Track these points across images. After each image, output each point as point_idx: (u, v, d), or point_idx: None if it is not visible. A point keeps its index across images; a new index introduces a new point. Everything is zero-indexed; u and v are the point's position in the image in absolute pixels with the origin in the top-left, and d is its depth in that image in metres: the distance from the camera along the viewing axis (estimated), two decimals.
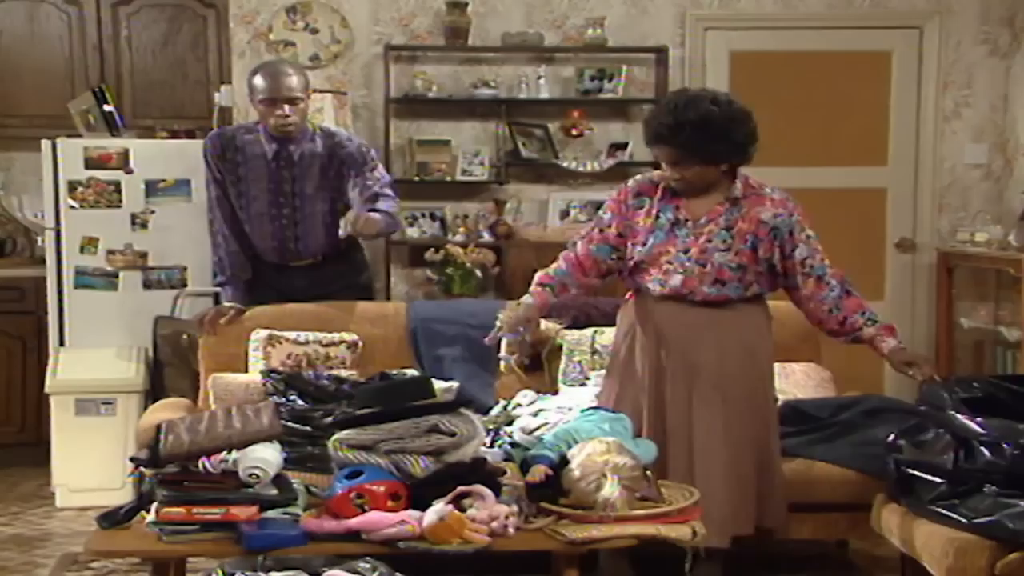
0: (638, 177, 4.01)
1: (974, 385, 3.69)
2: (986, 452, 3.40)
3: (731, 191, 3.82)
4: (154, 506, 3.09)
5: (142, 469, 3.22)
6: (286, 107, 4.55)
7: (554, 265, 4.00)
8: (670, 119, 3.74)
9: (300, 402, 4.24)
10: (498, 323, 3.87)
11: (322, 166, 4.69)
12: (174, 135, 5.96)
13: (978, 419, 3.46)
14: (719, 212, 3.80)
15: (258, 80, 4.60)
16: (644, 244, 3.84)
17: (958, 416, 3.51)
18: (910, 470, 3.67)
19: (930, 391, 3.73)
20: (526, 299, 3.94)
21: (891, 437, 3.78)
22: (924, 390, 3.80)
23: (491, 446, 4.09)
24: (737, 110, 3.80)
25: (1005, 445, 3.37)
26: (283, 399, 4.22)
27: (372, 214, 4.54)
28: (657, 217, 3.85)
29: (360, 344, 4.70)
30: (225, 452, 3.11)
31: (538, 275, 4.01)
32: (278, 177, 4.68)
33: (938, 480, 3.54)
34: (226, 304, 4.79)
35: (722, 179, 3.83)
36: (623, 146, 6.17)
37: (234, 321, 4.70)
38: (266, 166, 4.68)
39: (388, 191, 4.71)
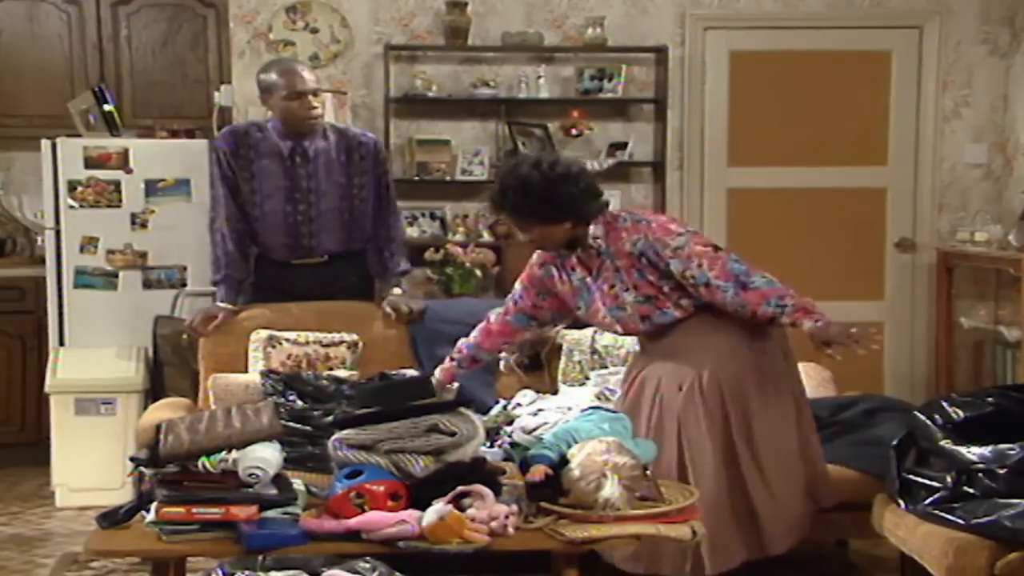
0: (537, 252, 4.06)
1: (986, 400, 3.67)
2: (983, 478, 3.41)
3: (593, 240, 3.83)
4: (154, 506, 3.09)
5: (142, 469, 3.22)
6: (311, 99, 4.57)
7: (472, 337, 4.15)
8: (496, 186, 3.88)
9: (299, 403, 4.23)
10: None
11: (339, 162, 4.70)
12: (174, 135, 5.97)
13: (971, 449, 3.47)
14: (600, 262, 3.84)
15: (276, 77, 4.59)
16: (580, 308, 3.95)
17: (949, 446, 3.54)
18: (911, 476, 3.67)
19: (914, 421, 3.73)
20: (436, 373, 4.14)
21: (895, 442, 3.78)
22: (910, 419, 3.78)
23: (491, 446, 4.09)
24: (559, 173, 3.77)
25: (1000, 471, 3.38)
26: (282, 399, 4.21)
27: (415, 301, 4.93)
28: (571, 281, 3.93)
29: (360, 344, 4.70)
30: (225, 452, 3.10)
31: (458, 343, 4.17)
32: (294, 174, 4.67)
33: (938, 485, 3.54)
34: (216, 305, 4.78)
35: (583, 231, 3.83)
36: (623, 146, 6.17)
37: (224, 323, 4.69)
38: (281, 163, 4.67)
39: (400, 219, 4.99)
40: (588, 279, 3.88)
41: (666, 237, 3.73)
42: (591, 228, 3.82)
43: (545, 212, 3.77)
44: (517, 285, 4.10)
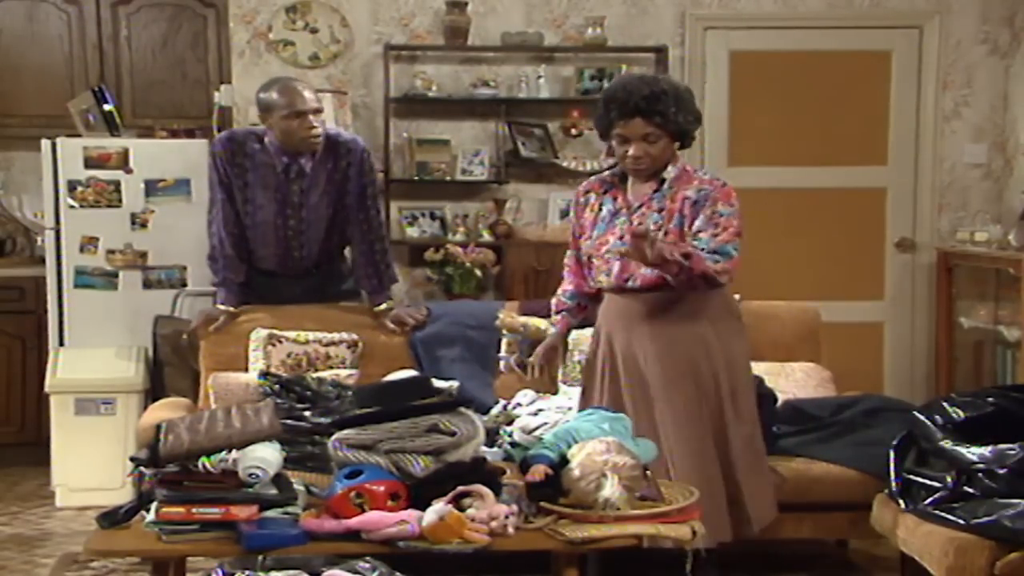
0: (591, 178, 4.04)
1: (986, 400, 3.66)
2: (983, 478, 3.42)
3: (665, 174, 3.81)
4: (154, 506, 3.08)
5: (142, 469, 3.22)
6: (311, 118, 4.53)
7: (562, 288, 4.08)
8: (646, 90, 3.75)
9: (299, 403, 4.23)
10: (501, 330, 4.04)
11: (327, 171, 4.67)
12: (174, 135, 5.98)
13: (971, 449, 3.47)
14: (649, 196, 3.81)
15: (276, 97, 4.52)
16: (591, 237, 3.90)
17: (949, 446, 3.54)
18: (911, 476, 3.68)
19: (914, 421, 3.73)
20: (551, 328, 4.10)
21: (895, 442, 3.78)
22: (910, 419, 3.78)
23: (491, 446, 4.09)
24: (687, 89, 3.87)
25: (1000, 471, 3.38)
26: (280, 400, 4.21)
27: (415, 309, 4.93)
28: (600, 210, 3.89)
29: (360, 344, 4.70)
30: (225, 452, 3.10)
31: (554, 301, 4.11)
32: (286, 189, 4.65)
33: (938, 484, 3.55)
34: (216, 308, 4.78)
35: (668, 163, 3.83)
36: None
37: (224, 326, 4.69)
38: (275, 177, 4.64)
39: (383, 230, 4.88)
40: (623, 210, 3.82)
41: (721, 200, 3.73)
42: (670, 166, 3.81)
43: (683, 125, 3.75)
44: (572, 216, 4.08)
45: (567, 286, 4.07)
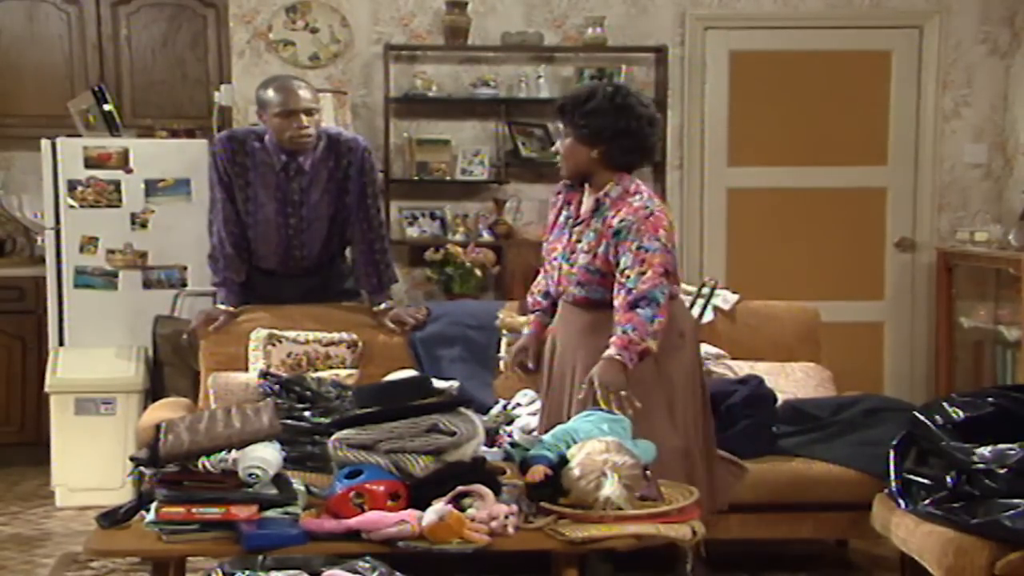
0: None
1: (986, 400, 3.66)
2: (983, 478, 3.42)
3: (606, 191, 3.74)
4: (154, 506, 3.09)
5: (142, 469, 3.22)
6: (303, 118, 4.52)
7: (536, 285, 4.03)
8: (572, 92, 3.88)
9: (299, 404, 4.23)
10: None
11: (328, 170, 4.67)
12: (174, 135, 5.98)
13: (971, 449, 3.47)
14: (590, 213, 3.77)
15: (271, 94, 4.53)
16: (547, 240, 3.92)
17: (950, 446, 3.54)
18: (911, 476, 3.68)
19: (914, 421, 3.73)
20: (524, 328, 4.06)
21: (895, 442, 3.78)
22: (910, 419, 3.78)
23: (491, 446, 4.09)
24: (626, 103, 3.72)
25: (1000, 471, 3.38)
26: (280, 400, 4.21)
27: (415, 309, 4.91)
28: (560, 215, 3.89)
29: (360, 344, 4.70)
30: (225, 452, 3.10)
31: (529, 300, 4.06)
32: (286, 187, 4.65)
33: (938, 484, 3.55)
34: (216, 307, 4.77)
35: (600, 173, 3.75)
36: None
37: (224, 326, 4.69)
38: (275, 176, 4.64)
39: (383, 230, 4.85)
40: (572, 220, 3.82)
41: (647, 234, 3.63)
42: (612, 182, 3.73)
43: (582, 128, 3.72)
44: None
45: (541, 285, 4.01)
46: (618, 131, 3.69)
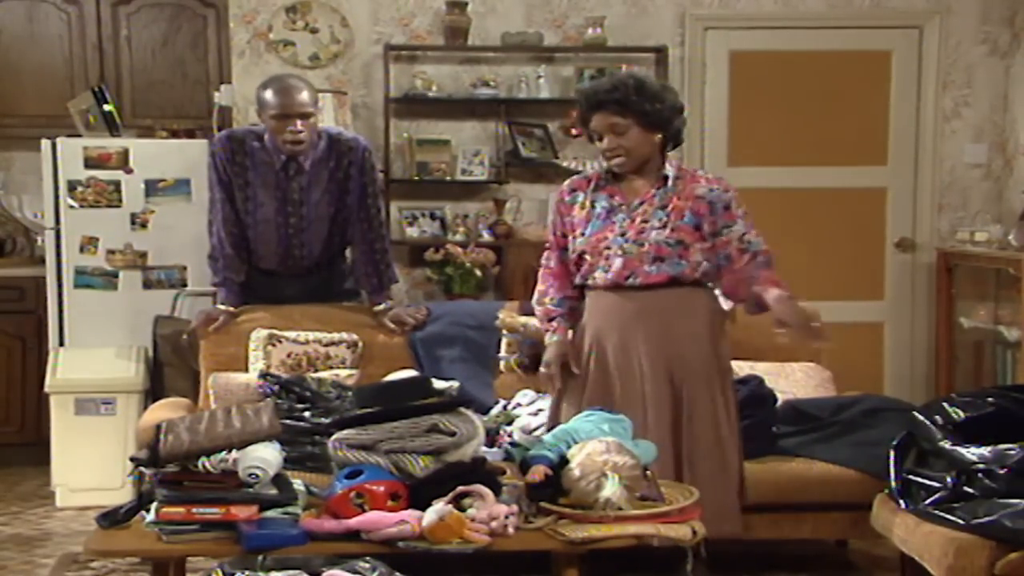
0: (573, 177, 4.03)
1: (986, 400, 3.66)
2: (983, 478, 3.42)
3: (663, 171, 3.83)
4: (154, 506, 3.09)
5: (142, 469, 3.22)
6: (298, 122, 4.51)
7: (546, 294, 3.95)
8: (607, 83, 3.84)
9: (299, 404, 4.23)
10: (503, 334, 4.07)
11: (329, 170, 4.67)
12: (174, 135, 5.98)
13: (971, 449, 3.47)
14: (652, 193, 3.81)
15: (268, 95, 4.51)
16: (584, 234, 3.85)
17: (950, 446, 3.54)
18: (911, 476, 3.68)
19: (914, 421, 3.73)
20: (550, 337, 3.93)
21: (895, 442, 3.78)
22: (910, 419, 3.78)
23: (491, 446, 4.09)
24: (668, 88, 3.96)
25: (1000, 471, 3.38)
26: (280, 400, 4.21)
27: (415, 309, 4.90)
28: (592, 207, 3.86)
29: (360, 344, 4.70)
30: (225, 452, 3.10)
31: (540, 311, 3.97)
32: (286, 186, 4.65)
33: (938, 484, 3.55)
34: (216, 307, 4.77)
35: (656, 158, 3.82)
36: None
37: (224, 326, 4.69)
38: (274, 175, 4.64)
39: (383, 229, 4.84)
40: (622, 207, 3.80)
41: (734, 199, 3.84)
42: (668, 163, 3.84)
43: (650, 114, 3.74)
44: (551, 220, 4.05)
45: (553, 292, 3.94)
46: (676, 110, 3.83)
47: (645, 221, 3.77)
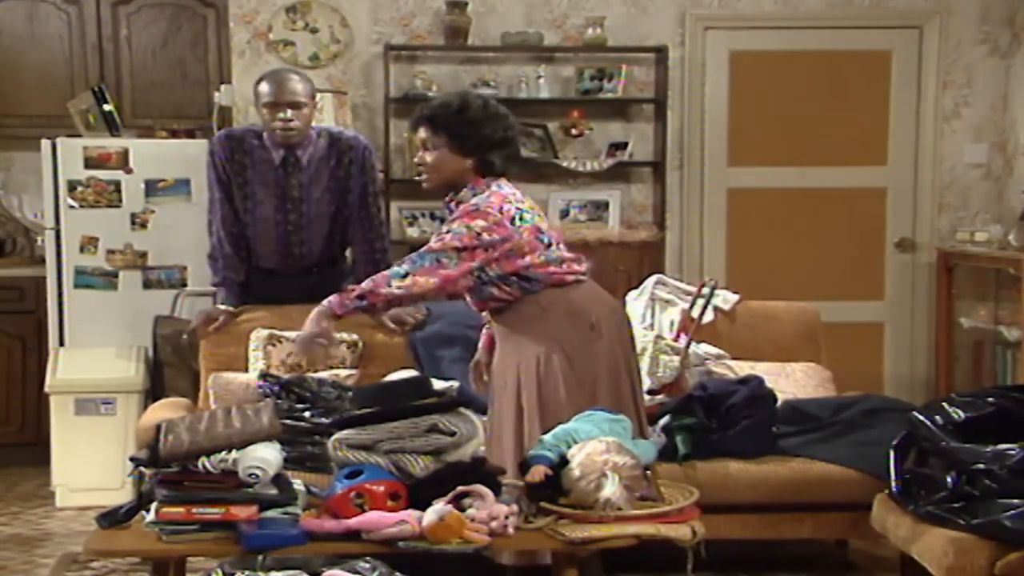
0: None
1: (987, 400, 3.66)
2: (983, 478, 3.42)
3: (460, 197, 3.77)
4: (154, 506, 3.08)
5: (142, 469, 3.22)
6: (289, 111, 4.51)
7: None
8: (439, 100, 3.85)
9: (299, 404, 4.23)
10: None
11: (330, 167, 4.68)
12: (174, 135, 5.97)
13: (971, 449, 3.47)
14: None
15: (262, 85, 4.56)
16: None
17: (950, 446, 3.54)
18: (911, 476, 3.68)
19: (914, 421, 3.73)
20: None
21: (895, 442, 3.78)
22: (910, 419, 3.78)
23: None
24: (499, 112, 3.77)
25: (1000, 471, 3.38)
26: (280, 400, 4.21)
27: (409, 309, 4.78)
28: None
29: (360, 344, 4.70)
30: (225, 452, 3.10)
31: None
32: (285, 183, 4.65)
33: (938, 484, 3.55)
34: (216, 307, 4.77)
35: (468, 180, 3.77)
36: (623, 146, 6.17)
37: (224, 326, 4.69)
38: (273, 172, 4.64)
39: (384, 229, 4.85)
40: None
41: (459, 219, 3.67)
42: (466, 188, 3.76)
43: (463, 137, 3.71)
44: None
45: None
46: (498, 144, 3.74)
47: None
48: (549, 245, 3.74)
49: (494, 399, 3.83)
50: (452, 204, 3.79)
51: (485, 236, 3.63)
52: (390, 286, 3.60)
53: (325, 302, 3.65)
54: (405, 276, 3.60)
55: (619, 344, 3.79)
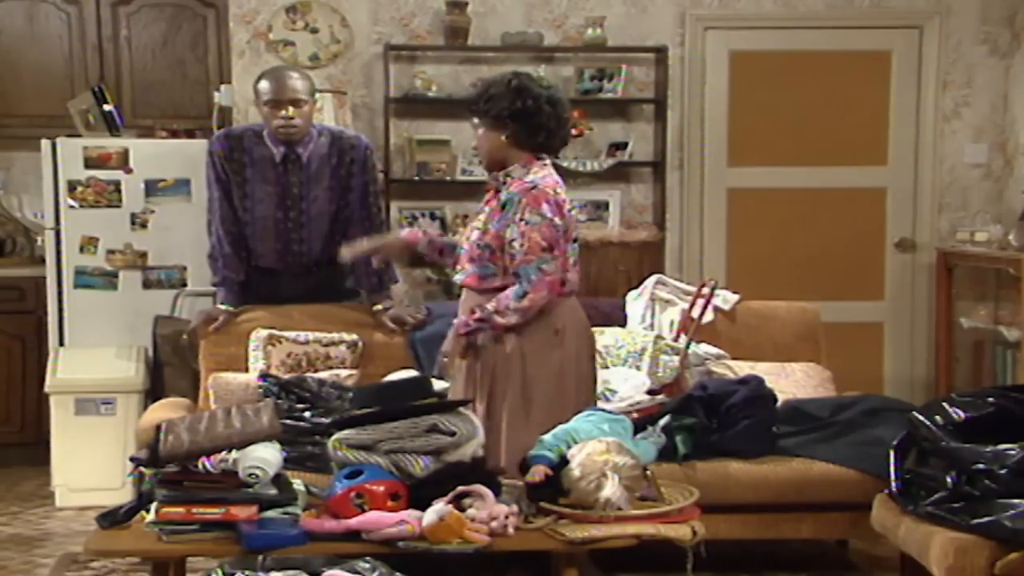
0: None
1: (987, 400, 3.66)
2: (983, 478, 3.42)
3: (505, 175, 3.86)
4: (154, 506, 3.09)
5: (142, 469, 3.22)
6: (290, 108, 4.52)
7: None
8: (483, 86, 3.95)
9: (299, 404, 4.23)
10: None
11: (331, 165, 4.68)
12: (174, 135, 5.97)
13: (971, 449, 3.47)
14: (492, 196, 3.89)
15: (263, 83, 4.57)
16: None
17: (950, 446, 3.53)
18: (911, 476, 3.68)
19: (914, 421, 3.73)
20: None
21: (895, 442, 3.78)
22: (910, 419, 3.78)
23: None
24: (535, 88, 3.84)
25: (1000, 471, 3.38)
26: (281, 400, 4.21)
27: (415, 308, 4.93)
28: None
29: (360, 344, 4.70)
30: (225, 452, 3.10)
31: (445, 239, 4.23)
32: (285, 180, 4.65)
33: (938, 484, 3.55)
34: (216, 308, 4.77)
35: (512, 156, 3.85)
36: (623, 146, 6.17)
37: (224, 326, 4.69)
38: (273, 169, 4.65)
39: (384, 229, 4.85)
40: (483, 204, 3.92)
41: (529, 207, 3.73)
42: (517, 164, 3.83)
43: (493, 113, 3.81)
44: None
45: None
46: (528, 115, 3.80)
47: (479, 218, 3.88)
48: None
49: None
50: (503, 177, 3.85)
51: (558, 220, 3.75)
52: (509, 309, 3.70)
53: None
54: (523, 296, 3.69)
55: (575, 355, 3.82)
